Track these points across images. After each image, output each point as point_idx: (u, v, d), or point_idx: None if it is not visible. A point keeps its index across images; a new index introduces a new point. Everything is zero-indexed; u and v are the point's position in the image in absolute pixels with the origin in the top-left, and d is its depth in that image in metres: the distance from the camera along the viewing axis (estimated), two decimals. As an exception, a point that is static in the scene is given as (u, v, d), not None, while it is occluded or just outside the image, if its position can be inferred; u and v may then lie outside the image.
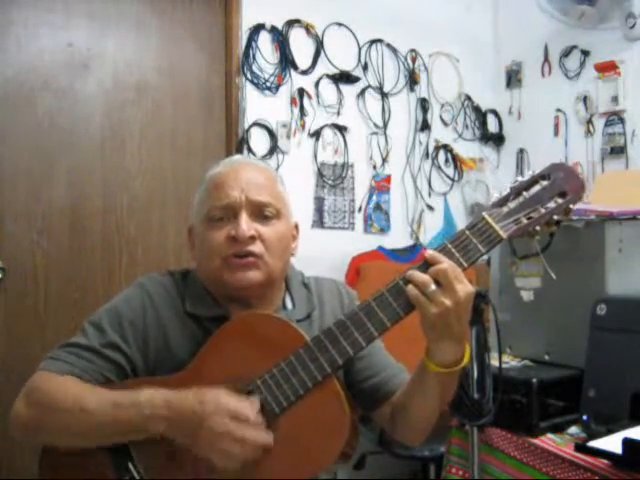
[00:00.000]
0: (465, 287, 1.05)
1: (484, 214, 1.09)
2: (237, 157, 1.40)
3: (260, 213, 1.24)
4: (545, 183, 1.10)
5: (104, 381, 1.18)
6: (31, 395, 1.16)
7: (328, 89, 3.07)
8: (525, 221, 1.09)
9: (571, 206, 1.10)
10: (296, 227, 1.35)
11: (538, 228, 1.10)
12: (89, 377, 1.18)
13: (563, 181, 1.09)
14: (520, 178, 1.12)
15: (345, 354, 1.10)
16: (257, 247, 1.21)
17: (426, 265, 1.07)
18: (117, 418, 1.09)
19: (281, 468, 1.09)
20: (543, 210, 1.09)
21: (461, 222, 3.32)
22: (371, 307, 1.09)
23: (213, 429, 1.05)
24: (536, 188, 1.10)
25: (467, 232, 1.08)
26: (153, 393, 1.10)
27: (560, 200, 1.09)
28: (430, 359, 1.12)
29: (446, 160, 3.39)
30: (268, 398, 1.11)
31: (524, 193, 1.10)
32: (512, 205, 1.10)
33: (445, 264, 1.05)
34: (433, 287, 1.04)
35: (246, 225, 1.21)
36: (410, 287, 1.06)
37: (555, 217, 1.09)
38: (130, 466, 1.14)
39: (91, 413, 1.10)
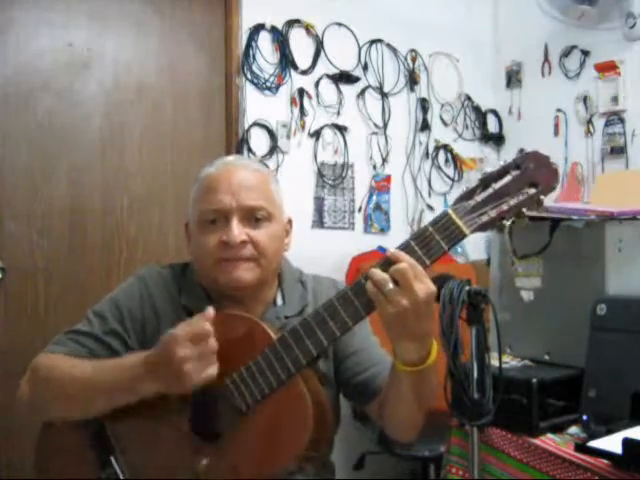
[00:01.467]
0: (425, 287, 1.03)
1: (448, 209, 1.06)
2: (230, 158, 1.41)
3: (251, 217, 1.26)
4: (515, 173, 1.04)
5: None
6: (31, 373, 1.23)
7: (328, 89, 3.07)
8: (492, 214, 1.04)
9: (542, 197, 1.04)
10: (289, 222, 1.37)
11: (505, 222, 1.05)
12: None
13: (534, 171, 1.04)
14: (489, 169, 1.07)
15: (308, 353, 1.11)
16: (248, 251, 1.24)
17: (388, 263, 1.05)
18: (105, 381, 1.14)
19: (248, 464, 1.13)
20: (512, 202, 1.04)
21: (461, 222, 3.32)
22: (334, 306, 1.10)
23: (179, 360, 1.06)
24: (506, 179, 1.05)
25: (430, 228, 1.06)
26: (135, 357, 1.15)
27: (531, 191, 1.03)
28: (395, 357, 1.13)
29: (446, 160, 3.39)
30: (237, 397, 1.14)
31: (493, 185, 1.05)
32: (479, 198, 1.05)
33: (404, 264, 1.03)
34: (390, 286, 1.03)
35: (237, 230, 1.23)
36: (369, 285, 1.06)
37: (524, 209, 1.04)
38: (112, 459, 1.18)
39: (82, 379, 1.16)
